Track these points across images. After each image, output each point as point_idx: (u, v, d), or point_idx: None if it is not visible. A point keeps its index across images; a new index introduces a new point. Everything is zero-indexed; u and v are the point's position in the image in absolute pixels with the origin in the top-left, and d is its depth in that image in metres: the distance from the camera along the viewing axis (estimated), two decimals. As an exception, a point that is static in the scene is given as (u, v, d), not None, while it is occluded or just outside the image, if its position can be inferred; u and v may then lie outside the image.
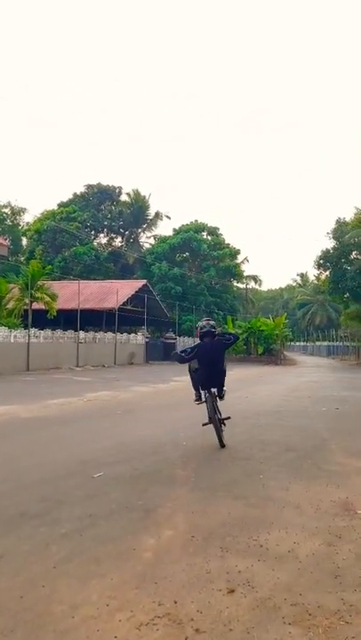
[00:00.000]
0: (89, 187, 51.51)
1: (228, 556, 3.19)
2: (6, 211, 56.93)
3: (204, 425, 6.72)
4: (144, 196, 51.78)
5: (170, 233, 48.14)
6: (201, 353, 6.80)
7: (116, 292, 31.93)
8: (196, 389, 7.14)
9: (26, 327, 23.32)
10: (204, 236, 46.12)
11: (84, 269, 44.12)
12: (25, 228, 55.03)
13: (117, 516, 3.87)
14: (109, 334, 29.91)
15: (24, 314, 24.57)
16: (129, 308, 33.14)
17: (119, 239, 53.80)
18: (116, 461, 5.72)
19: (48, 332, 25.05)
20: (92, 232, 51.55)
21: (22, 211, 57.19)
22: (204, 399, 6.94)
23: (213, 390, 6.82)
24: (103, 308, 31.88)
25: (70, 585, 2.76)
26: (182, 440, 7.07)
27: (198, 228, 46.10)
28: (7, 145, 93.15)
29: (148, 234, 53.40)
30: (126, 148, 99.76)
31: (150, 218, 52.72)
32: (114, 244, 52.42)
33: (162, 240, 46.96)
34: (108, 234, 53.23)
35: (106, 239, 53.06)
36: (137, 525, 3.70)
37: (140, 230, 53.35)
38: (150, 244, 51.33)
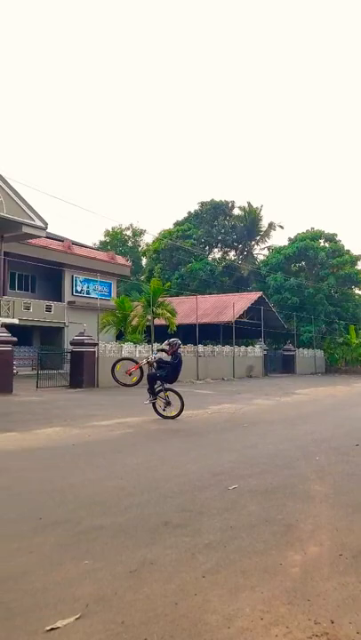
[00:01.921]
0: (202, 204, 52.62)
1: (382, 577, 3.01)
2: (128, 233, 60.25)
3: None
4: (256, 208, 51.62)
5: (284, 242, 47.36)
6: (179, 362, 10.66)
7: (232, 306, 32.08)
8: (153, 392, 10.54)
9: (149, 342, 24.29)
10: (322, 244, 44.62)
11: (200, 284, 45.01)
12: (144, 248, 57.70)
13: (259, 530, 3.84)
14: (227, 347, 30.05)
15: (147, 329, 25.64)
16: (245, 320, 33.08)
17: (233, 253, 54.10)
18: (249, 474, 5.69)
19: (169, 346, 25.82)
20: (207, 247, 52.45)
21: (142, 232, 60.18)
22: (154, 399, 10.58)
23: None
24: (220, 322, 32.17)
25: (221, 595, 2.79)
26: (314, 455, 6.86)
27: (315, 235, 44.71)
28: (130, 171, 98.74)
29: (262, 245, 53.01)
30: (238, 162, 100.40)
31: (263, 229, 52.37)
32: (228, 257, 52.79)
33: (276, 251, 46.29)
34: (222, 248, 53.78)
35: (220, 253, 53.63)
36: (280, 540, 3.64)
37: (253, 242, 53.19)
38: (264, 255, 50.91)
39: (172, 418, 10.37)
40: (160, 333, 27.29)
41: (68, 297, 31.83)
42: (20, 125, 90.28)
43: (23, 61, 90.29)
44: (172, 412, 10.48)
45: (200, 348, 27.27)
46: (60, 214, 79.76)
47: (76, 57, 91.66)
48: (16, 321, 24.81)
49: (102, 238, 60.04)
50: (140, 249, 59.76)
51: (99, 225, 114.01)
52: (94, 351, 20.85)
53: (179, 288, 41.53)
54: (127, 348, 22.59)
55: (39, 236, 26.55)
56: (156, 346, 24.47)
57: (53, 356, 25.18)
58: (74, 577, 3.04)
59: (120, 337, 27.19)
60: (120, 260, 38.03)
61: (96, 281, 29.66)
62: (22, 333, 24.80)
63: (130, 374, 11.13)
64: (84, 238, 70.83)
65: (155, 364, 10.73)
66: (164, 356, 11.27)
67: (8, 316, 24.58)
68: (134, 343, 23.43)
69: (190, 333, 28.78)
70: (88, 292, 32.67)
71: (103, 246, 54.79)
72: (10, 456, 6.93)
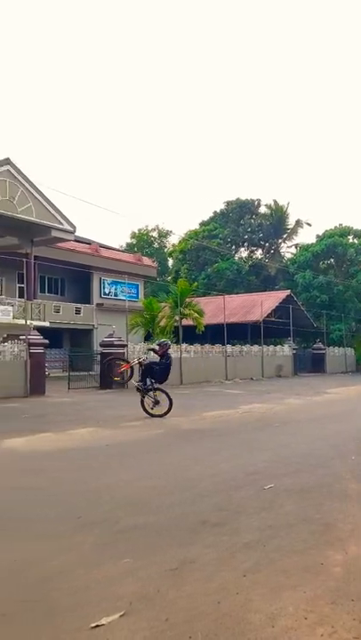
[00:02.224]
0: (228, 203, 52.42)
1: None
2: (154, 234, 60.46)
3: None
4: (283, 206, 51.15)
5: (312, 240, 46.71)
6: (169, 362, 11.24)
7: (259, 305, 31.85)
8: (144, 381, 10.89)
9: (177, 343, 24.31)
10: (350, 240, 43.85)
11: (226, 284, 44.81)
12: (170, 249, 57.80)
13: (297, 529, 3.80)
14: (255, 347, 29.85)
15: (175, 330, 25.69)
16: (273, 319, 32.79)
17: (260, 251, 53.70)
18: (284, 474, 5.65)
19: (197, 346, 25.81)
20: (233, 247, 52.21)
21: (168, 233, 60.29)
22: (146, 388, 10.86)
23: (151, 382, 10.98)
24: (248, 321, 31.98)
25: (263, 594, 2.77)
26: (350, 454, 6.76)
27: (343, 232, 43.95)
28: (155, 172, 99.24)
29: (289, 243, 52.46)
30: (264, 160, 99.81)
31: (290, 227, 51.83)
32: (255, 256, 52.43)
33: (304, 248, 45.72)
34: (248, 247, 53.46)
35: (246, 252, 53.33)
36: (319, 539, 3.60)
37: (280, 240, 52.70)
38: (292, 253, 50.38)
39: (160, 416, 10.63)
40: (188, 334, 27.34)
41: (96, 299, 32.20)
42: (46, 131, 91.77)
43: (45, 65, 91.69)
44: (159, 410, 10.78)
45: (228, 347, 27.17)
46: (86, 217, 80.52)
47: (92, 60, 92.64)
48: (47, 324, 25.18)
49: (129, 240, 60.42)
50: (166, 250, 59.88)
51: (125, 227, 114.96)
52: (123, 352, 20.99)
53: (206, 288, 41.42)
54: (156, 349, 22.70)
55: (68, 240, 26.91)
56: (184, 346, 24.55)
57: (83, 357, 25.49)
58: (115, 575, 3.07)
59: (148, 338, 27.32)
60: (147, 261, 38.23)
61: (124, 283, 29.91)
62: (53, 336, 25.13)
63: (121, 372, 11.78)
64: (111, 240, 71.55)
65: (145, 364, 11.16)
66: (154, 356, 11.91)
67: (39, 319, 24.94)
68: (163, 344, 23.50)
69: (218, 333, 28.70)
70: (116, 294, 32.98)
71: (130, 248, 55.09)
72: (46, 456, 7.05)
